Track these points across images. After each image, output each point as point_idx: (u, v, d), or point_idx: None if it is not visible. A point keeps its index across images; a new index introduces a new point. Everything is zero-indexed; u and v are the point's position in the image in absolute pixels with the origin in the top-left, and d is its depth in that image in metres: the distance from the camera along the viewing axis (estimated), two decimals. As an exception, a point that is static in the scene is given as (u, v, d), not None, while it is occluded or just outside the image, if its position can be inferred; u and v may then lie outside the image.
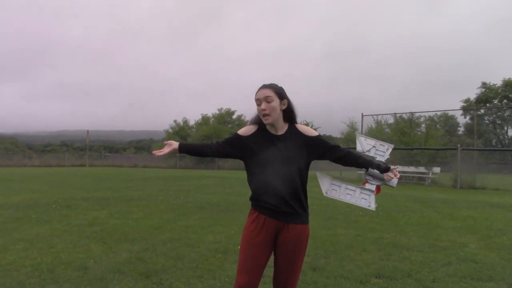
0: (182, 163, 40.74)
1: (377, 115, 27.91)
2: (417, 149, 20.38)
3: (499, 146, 44.19)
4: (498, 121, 46.76)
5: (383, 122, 28.67)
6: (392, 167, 2.50)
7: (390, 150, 2.54)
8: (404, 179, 20.88)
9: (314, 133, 2.47)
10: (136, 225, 6.60)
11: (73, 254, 4.75)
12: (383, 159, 2.54)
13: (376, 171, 2.52)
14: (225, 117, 52.08)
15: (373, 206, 2.56)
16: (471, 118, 43.27)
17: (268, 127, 2.46)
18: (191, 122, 54.05)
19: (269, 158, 2.36)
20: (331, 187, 2.61)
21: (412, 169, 20.61)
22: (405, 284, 3.86)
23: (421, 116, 24.92)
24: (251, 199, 2.46)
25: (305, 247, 2.44)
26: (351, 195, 2.59)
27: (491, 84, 48.93)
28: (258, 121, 2.49)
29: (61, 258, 4.54)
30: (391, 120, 25.29)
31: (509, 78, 47.32)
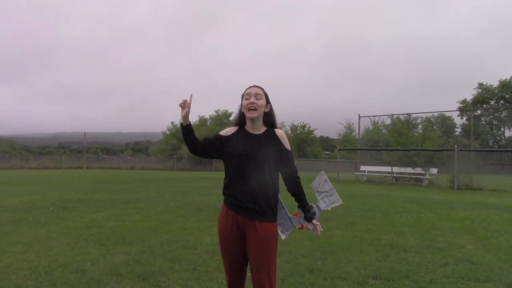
0: (179, 165, 40.70)
1: (374, 116, 27.99)
2: (414, 150, 20.42)
3: (496, 146, 44.34)
4: (495, 122, 46.91)
5: (380, 123, 28.74)
6: (314, 221, 2.55)
7: (334, 205, 2.59)
8: (401, 180, 20.92)
9: (287, 144, 2.60)
10: (134, 227, 6.59)
11: (70, 256, 4.74)
12: (322, 207, 2.60)
13: (306, 214, 2.59)
14: (222, 119, 52.09)
15: (283, 236, 2.65)
16: (468, 119, 43.37)
17: (247, 127, 2.59)
18: (189, 124, 54.00)
19: (242, 152, 2.48)
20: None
21: (409, 170, 20.66)
22: (402, 285, 3.87)
23: (418, 117, 25.00)
24: (223, 193, 2.58)
25: (275, 245, 2.49)
26: (281, 214, 2.65)
27: (488, 85, 49.13)
28: (238, 122, 2.63)
29: (58, 261, 4.53)
30: (388, 121, 25.40)
31: (506, 79, 47.52)
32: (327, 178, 2.62)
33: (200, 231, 6.33)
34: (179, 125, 2.53)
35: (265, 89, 2.60)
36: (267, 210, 2.46)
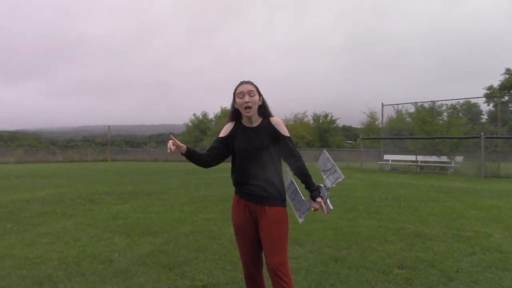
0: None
1: (397, 104, 27.52)
2: (439, 138, 20.02)
3: (524, 133, 43.15)
4: (523, 108, 45.60)
5: (403, 112, 28.25)
6: (318, 199, 2.52)
7: (338, 181, 2.56)
8: (426, 169, 20.59)
9: (284, 130, 2.64)
10: (158, 218, 6.69)
11: (98, 247, 4.84)
12: (328, 185, 2.59)
13: (311, 193, 2.58)
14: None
15: (300, 220, 2.67)
16: (495, 106, 42.23)
17: (243, 121, 2.68)
18: (210, 115, 54.31)
19: (244, 147, 2.60)
20: (289, 186, 2.74)
21: (434, 158, 20.29)
22: (428, 274, 3.83)
23: (442, 105, 24.46)
24: (233, 185, 2.69)
25: (285, 227, 2.57)
26: (296, 199, 2.70)
27: (516, 70, 47.71)
28: (232, 117, 2.72)
29: (86, 252, 4.64)
30: (412, 110, 24.89)
31: (534, 63, 46.03)
32: (329, 156, 2.66)
33: (223, 221, 6.38)
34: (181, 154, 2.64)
35: (254, 83, 2.67)
36: (275, 194, 2.58)
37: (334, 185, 2.58)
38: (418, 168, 20.75)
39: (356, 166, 21.64)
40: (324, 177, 2.66)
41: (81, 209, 7.59)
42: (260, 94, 2.66)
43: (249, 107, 2.57)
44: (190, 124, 54.15)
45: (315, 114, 51.81)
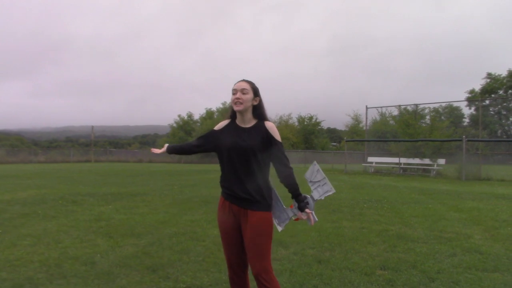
0: (187, 158, 40.80)
1: (381, 107, 27.85)
2: (422, 141, 20.30)
3: (504, 136, 43.92)
4: (503, 112, 46.43)
5: (387, 114, 28.59)
6: (306, 210, 2.51)
7: (328, 194, 2.55)
8: (408, 171, 20.84)
9: (277, 135, 2.61)
10: (142, 219, 6.64)
11: (80, 249, 4.79)
12: (315, 197, 2.57)
13: (299, 204, 2.55)
14: (229, 111, 52.05)
15: (279, 228, 2.67)
16: (476, 109, 43.03)
17: (237, 121, 2.68)
18: (196, 117, 54.16)
19: (232, 146, 2.58)
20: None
21: (417, 161, 20.56)
22: (410, 275, 3.87)
23: (425, 108, 24.82)
24: (220, 185, 2.70)
25: (269, 233, 2.56)
26: (276, 207, 2.67)
27: (497, 74, 48.64)
28: (231, 115, 2.74)
29: (68, 253, 4.59)
30: (395, 112, 25.23)
31: (515, 68, 46.99)
32: (320, 168, 2.62)
33: (208, 223, 6.36)
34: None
35: (254, 83, 2.68)
36: (259, 199, 2.55)
37: (322, 198, 2.55)
38: (401, 170, 20.99)
39: (340, 168, 21.78)
40: (312, 188, 2.62)
41: (63, 210, 7.49)
42: (256, 95, 2.65)
43: (239, 103, 2.58)
44: (175, 125, 53.90)
45: (300, 116, 52.09)
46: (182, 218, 6.78)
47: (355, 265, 4.20)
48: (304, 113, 54.17)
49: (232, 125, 2.70)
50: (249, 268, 2.65)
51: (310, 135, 50.26)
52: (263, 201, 2.56)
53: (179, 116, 54.11)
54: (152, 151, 2.94)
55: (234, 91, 2.61)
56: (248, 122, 2.65)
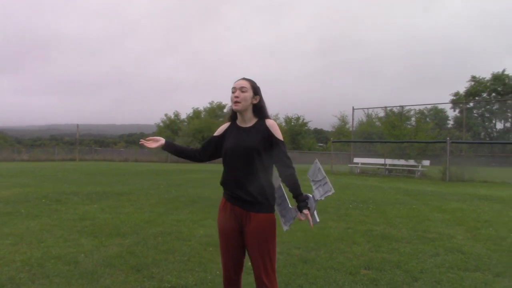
0: (173, 157, 40.55)
1: (367, 108, 28.10)
2: (407, 142, 20.51)
3: (487, 139, 44.64)
4: (487, 114, 47.22)
5: (373, 116, 28.84)
6: (304, 211, 2.45)
7: (327, 194, 2.45)
8: (394, 172, 21.03)
9: (278, 134, 2.57)
10: (127, 219, 6.60)
11: (63, 248, 4.74)
12: (316, 197, 2.50)
13: (299, 204, 2.50)
14: (216, 111, 52.01)
15: (285, 228, 2.65)
16: (460, 112, 43.65)
17: (238, 121, 2.63)
18: (183, 116, 53.96)
19: (233, 147, 2.54)
20: (277, 190, 2.66)
21: (402, 162, 20.75)
22: (393, 275, 3.92)
23: (411, 110, 25.11)
24: (221, 186, 2.66)
25: (272, 235, 2.51)
26: (283, 205, 2.66)
27: (480, 77, 49.38)
28: (231, 117, 2.70)
29: (51, 253, 4.54)
30: (381, 114, 25.48)
31: (498, 72, 47.78)
32: (321, 167, 2.57)
33: (194, 223, 6.35)
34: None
35: (255, 82, 2.63)
36: (262, 200, 2.48)
37: (322, 198, 2.46)
38: (387, 171, 21.18)
39: (326, 169, 21.84)
40: (314, 188, 2.56)
41: (46, 209, 7.40)
42: (256, 93, 2.60)
43: (238, 102, 2.54)
44: (161, 124, 53.61)
45: (287, 116, 52.25)
46: (168, 218, 6.75)
47: (340, 264, 4.23)
48: (291, 113, 54.36)
49: (233, 126, 2.65)
50: (246, 270, 2.63)
51: (297, 136, 50.46)
52: (266, 203, 2.50)
53: (166, 115, 53.89)
54: (143, 144, 2.74)
55: (233, 90, 2.57)
56: (249, 121, 2.60)
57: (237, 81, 2.62)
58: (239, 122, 2.64)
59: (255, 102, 2.60)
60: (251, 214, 2.48)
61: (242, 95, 2.54)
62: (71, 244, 4.96)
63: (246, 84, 2.57)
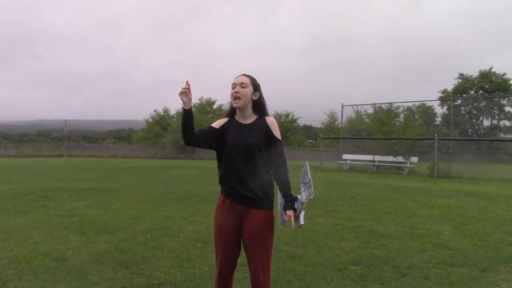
0: (162, 153, 40.44)
1: (357, 105, 28.22)
2: (395, 139, 20.66)
3: (475, 136, 45.18)
4: (474, 112, 47.75)
5: (362, 112, 28.98)
6: (289, 212, 2.42)
7: (309, 198, 2.43)
8: (382, 169, 21.18)
9: (277, 132, 2.59)
10: (116, 215, 6.56)
11: (51, 245, 4.70)
12: (302, 199, 2.47)
13: (285, 204, 2.48)
14: (205, 107, 51.88)
15: (280, 227, 2.59)
16: (448, 109, 44.06)
17: (237, 117, 2.61)
18: (172, 112, 53.71)
19: (235, 143, 2.50)
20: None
21: (390, 158, 20.91)
22: (381, 271, 3.95)
23: (399, 107, 25.32)
24: (219, 183, 2.59)
25: (271, 233, 2.52)
26: (281, 206, 2.60)
27: (468, 75, 49.87)
28: (228, 113, 2.66)
29: (38, 249, 4.49)
30: (370, 110, 25.63)
31: (485, 70, 48.31)
32: (309, 169, 2.56)
33: (182, 219, 6.33)
34: (181, 109, 2.54)
35: (255, 79, 2.61)
36: (263, 197, 2.48)
37: (305, 201, 2.46)
38: (375, 168, 21.33)
39: (316, 165, 21.95)
40: (302, 190, 2.56)
41: (34, 206, 7.32)
42: (256, 90, 2.59)
43: (238, 98, 2.51)
44: (150, 120, 53.32)
45: (277, 112, 52.22)
46: (157, 214, 6.73)
47: (329, 260, 4.26)
48: (281, 110, 54.40)
49: (231, 122, 2.61)
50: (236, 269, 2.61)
51: (286, 132, 50.51)
52: (266, 199, 2.50)
53: (155, 111, 53.60)
54: (186, 89, 2.43)
55: (233, 85, 2.56)
56: (249, 118, 2.59)
57: (237, 77, 2.60)
58: (238, 118, 2.61)
59: (255, 98, 2.59)
60: (251, 211, 2.47)
61: (242, 90, 2.52)
62: (58, 240, 4.92)
63: (246, 80, 2.56)
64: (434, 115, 51.52)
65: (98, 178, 13.39)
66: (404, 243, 5.03)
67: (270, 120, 2.59)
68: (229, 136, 2.55)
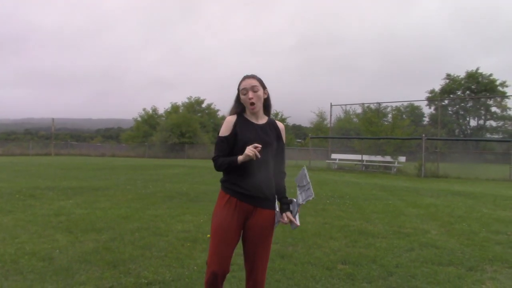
0: (151, 152, 40.25)
1: (345, 105, 28.36)
2: (383, 138, 20.81)
3: (462, 136, 45.68)
4: (461, 112, 48.29)
5: (351, 112, 29.13)
6: (284, 214, 2.50)
7: (308, 199, 2.46)
8: (370, 168, 21.32)
9: (284, 138, 2.66)
10: (103, 214, 6.51)
11: (37, 244, 4.65)
12: (299, 201, 2.52)
13: (281, 206, 2.56)
14: (194, 106, 51.74)
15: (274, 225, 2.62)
16: (436, 109, 44.50)
17: (247, 116, 2.57)
18: (161, 111, 53.48)
19: (251, 141, 2.42)
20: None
21: (378, 158, 21.06)
22: (369, 270, 3.97)
23: (388, 107, 25.50)
24: (223, 181, 2.54)
25: (272, 232, 2.55)
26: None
27: (455, 75, 50.42)
28: (235, 111, 2.58)
29: (25, 249, 4.44)
30: (359, 110, 25.76)
31: (472, 70, 48.87)
32: (306, 173, 2.61)
33: (171, 218, 6.31)
34: (234, 162, 2.42)
35: (258, 77, 2.58)
36: (270, 197, 2.52)
37: (304, 203, 2.49)
38: (364, 167, 21.46)
39: (304, 164, 22.03)
40: (298, 192, 2.59)
41: (20, 205, 7.24)
42: (264, 87, 2.57)
43: (254, 104, 2.49)
44: (139, 119, 53.02)
45: (266, 112, 52.23)
46: (145, 213, 6.69)
47: (317, 259, 4.27)
48: (272, 109, 54.48)
49: (242, 120, 2.54)
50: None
51: (275, 131, 50.58)
52: (272, 199, 2.54)
53: (143, 109, 53.33)
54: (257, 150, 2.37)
55: (245, 91, 2.49)
56: (261, 118, 2.59)
57: (244, 80, 2.53)
58: (249, 117, 2.57)
59: (265, 97, 2.59)
60: (257, 210, 2.48)
61: (255, 95, 2.49)
62: (45, 240, 4.87)
63: (256, 83, 2.51)
64: (422, 115, 52.01)
65: (86, 177, 13.28)
66: (392, 242, 5.07)
67: (281, 126, 2.65)
68: (242, 134, 2.48)
